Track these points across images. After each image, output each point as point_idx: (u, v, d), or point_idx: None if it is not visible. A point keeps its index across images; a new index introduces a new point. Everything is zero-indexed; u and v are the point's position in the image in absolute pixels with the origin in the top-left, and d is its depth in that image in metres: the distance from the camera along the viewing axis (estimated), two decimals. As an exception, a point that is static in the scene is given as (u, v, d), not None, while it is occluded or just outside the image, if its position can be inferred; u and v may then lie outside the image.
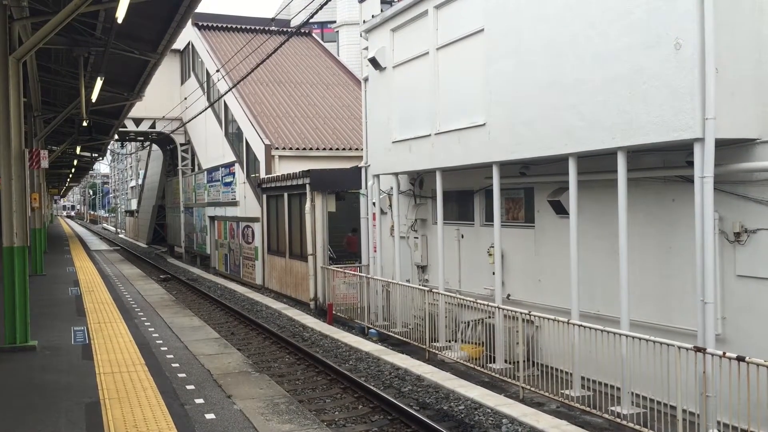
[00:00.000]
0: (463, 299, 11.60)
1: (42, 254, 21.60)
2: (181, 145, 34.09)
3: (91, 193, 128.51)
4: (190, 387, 7.81)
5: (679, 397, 7.32)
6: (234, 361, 9.83)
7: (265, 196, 22.05)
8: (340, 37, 37.06)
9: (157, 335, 10.96)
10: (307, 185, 17.82)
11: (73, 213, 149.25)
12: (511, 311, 10.27)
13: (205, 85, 29.38)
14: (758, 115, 7.85)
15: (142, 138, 38.48)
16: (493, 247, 11.59)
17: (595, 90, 8.90)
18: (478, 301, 11.08)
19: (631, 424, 7.86)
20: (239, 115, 24.86)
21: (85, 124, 16.06)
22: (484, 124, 11.10)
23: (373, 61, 14.41)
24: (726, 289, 8.19)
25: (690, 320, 8.31)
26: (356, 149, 21.87)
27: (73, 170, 45.69)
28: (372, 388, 9.62)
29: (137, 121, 32.93)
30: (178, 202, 35.16)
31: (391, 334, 13.58)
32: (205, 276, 26.09)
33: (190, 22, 20.85)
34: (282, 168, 21.65)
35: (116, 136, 33.58)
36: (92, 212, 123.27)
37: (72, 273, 20.82)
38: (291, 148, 22.35)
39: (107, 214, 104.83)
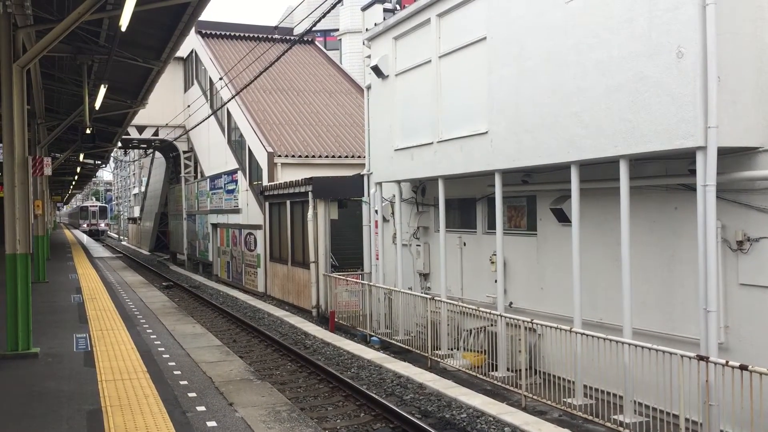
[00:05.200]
0: (466, 307, 11.58)
1: (45, 261, 21.62)
2: (184, 152, 34.18)
3: (95, 200, 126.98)
4: (192, 394, 7.80)
5: (682, 405, 7.30)
6: (236, 368, 9.81)
7: (267, 204, 22.07)
8: (343, 45, 37.19)
9: (159, 342, 10.95)
10: (310, 193, 17.84)
11: (102, 225, 75.84)
12: (514, 319, 10.26)
13: (208, 92, 29.46)
14: (760, 123, 7.86)
15: (145, 145, 38.59)
16: (495, 254, 11.58)
17: (597, 98, 8.91)
18: (481, 309, 11.07)
19: (633, 433, 7.84)
20: (242, 123, 24.93)
21: (88, 131, 16.07)
22: (486, 132, 11.11)
23: (376, 69, 14.45)
24: (729, 297, 8.17)
25: (693, 329, 8.30)
26: (359, 157, 21.90)
27: (76, 177, 45.77)
28: (374, 396, 9.60)
29: (140, 129, 33.03)
30: (181, 210, 35.21)
31: (393, 342, 13.56)
32: (207, 283, 26.09)
33: (193, 30, 20.94)
34: (284, 175, 21.68)
35: (119, 144, 33.69)
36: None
37: (74, 280, 20.83)
38: (293, 156, 22.38)
39: (110, 222, 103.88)
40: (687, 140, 7.73)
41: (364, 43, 15.71)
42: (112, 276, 23.21)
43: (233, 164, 26.22)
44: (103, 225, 75.92)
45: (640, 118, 8.27)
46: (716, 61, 7.56)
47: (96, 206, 77.73)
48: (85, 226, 74.21)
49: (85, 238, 57.99)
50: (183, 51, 31.70)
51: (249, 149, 24.23)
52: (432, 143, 12.62)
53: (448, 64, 12.28)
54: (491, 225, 12.12)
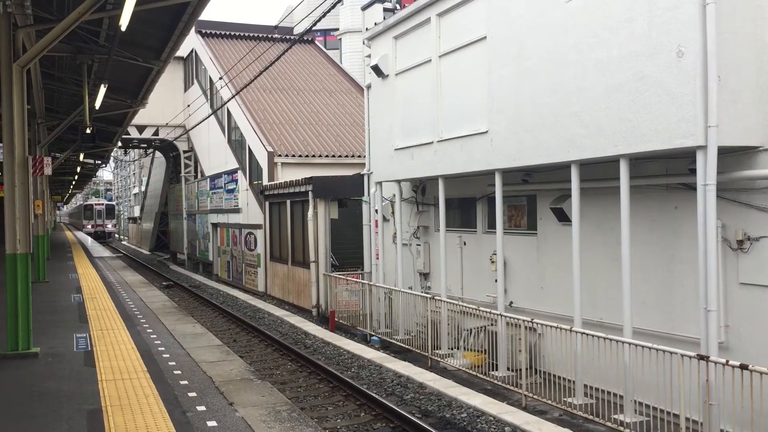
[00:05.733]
0: (466, 307, 11.58)
1: (45, 261, 21.62)
2: (184, 152, 34.19)
3: (95, 198, 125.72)
4: (192, 394, 7.80)
5: (682, 405, 7.30)
6: (236, 368, 9.81)
7: (267, 203, 22.07)
8: (343, 44, 37.15)
9: (159, 342, 10.95)
10: (310, 192, 17.83)
11: (109, 226, 66.49)
12: (514, 319, 10.25)
13: (208, 92, 29.46)
14: (760, 122, 7.85)
15: (145, 145, 38.57)
16: (495, 254, 11.58)
17: (597, 97, 8.91)
18: (481, 308, 11.06)
19: (634, 433, 7.83)
20: (242, 123, 24.93)
21: (88, 131, 16.06)
22: (486, 132, 11.11)
23: (376, 69, 14.44)
24: (729, 296, 8.17)
25: (693, 328, 8.29)
26: (359, 156, 21.90)
27: (76, 177, 45.77)
28: (374, 395, 9.59)
29: (140, 129, 33.03)
30: (181, 209, 35.22)
31: (393, 341, 13.56)
32: (207, 283, 26.09)
33: (193, 29, 20.92)
34: (284, 175, 21.68)
35: (119, 144, 33.69)
36: None
37: (75, 280, 20.83)
38: (293, 155, 22.38)
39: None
40: (687, 139, 7.72)
41: (364, 43, 15.70)
42: (112, 276, 23.21)
43: (233, 164, 26.22)
44: (110, 226, 66.73)
45: (640, 117, 8.26)
46: (716, 61, 7.55)
47: (102, 204, 67.74)
48: (89, 227, 65.06)
49: (89, 240, 53.68)
50: (183, 51, 31.68)
51: (249, 149, 24.23)
52: (432, 143, 12.61)
53: (448, 64, 12.27)
54: (491, 224, 12.11)
